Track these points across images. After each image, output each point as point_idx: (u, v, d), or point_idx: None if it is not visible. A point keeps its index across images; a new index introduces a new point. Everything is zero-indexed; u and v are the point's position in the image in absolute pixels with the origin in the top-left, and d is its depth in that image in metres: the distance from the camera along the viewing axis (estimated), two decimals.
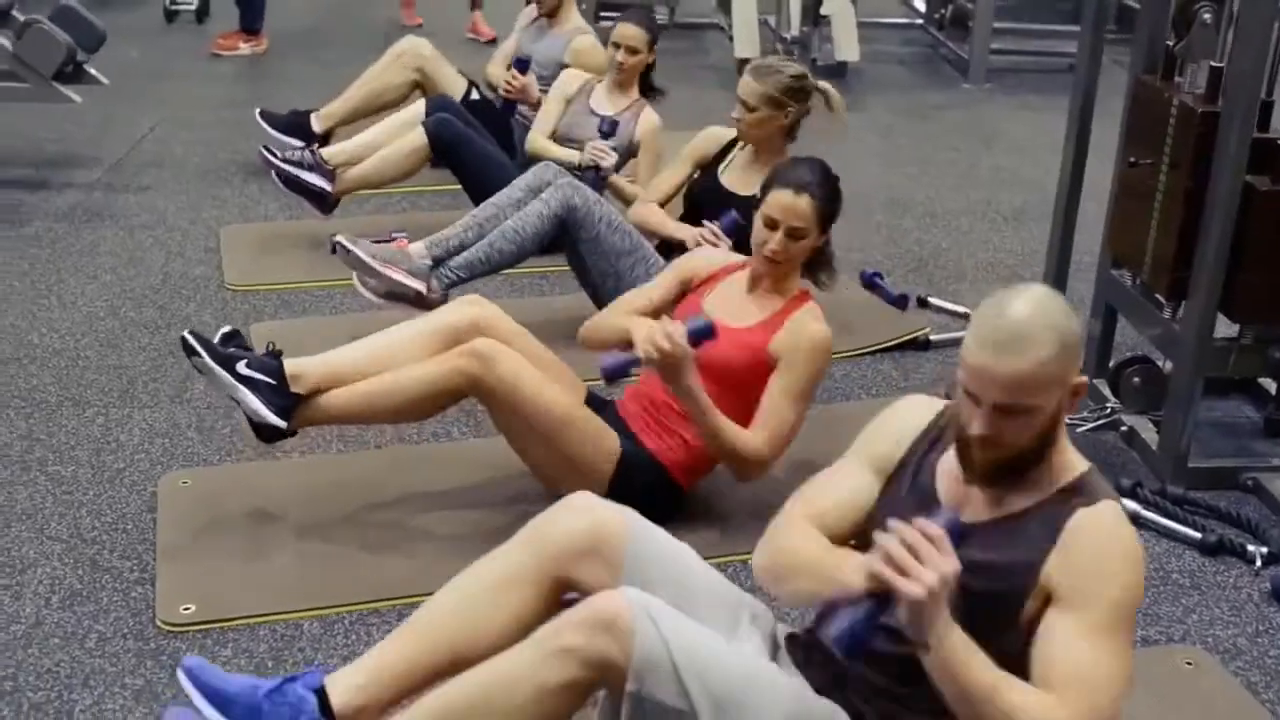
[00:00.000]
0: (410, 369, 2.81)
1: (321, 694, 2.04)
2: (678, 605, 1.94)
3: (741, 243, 3.24)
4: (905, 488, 2.01)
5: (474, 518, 2.95)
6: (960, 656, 1.76)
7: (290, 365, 2.79)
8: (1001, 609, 1.86)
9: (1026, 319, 1.80)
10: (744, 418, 2.84)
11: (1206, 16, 3.12)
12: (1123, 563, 1.84)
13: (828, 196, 2.89)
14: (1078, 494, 1.90)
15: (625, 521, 2.11)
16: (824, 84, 3.68)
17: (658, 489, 2.88)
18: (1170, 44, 3.30)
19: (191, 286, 4.21)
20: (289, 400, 2.78)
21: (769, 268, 2.90)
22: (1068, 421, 3.32)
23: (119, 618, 2.62)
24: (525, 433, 2.83)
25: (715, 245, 3.43)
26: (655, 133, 4.28)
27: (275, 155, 4.37)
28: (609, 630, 1.86)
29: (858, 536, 2.04)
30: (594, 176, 4.08)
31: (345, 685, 2.06)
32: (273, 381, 2.76)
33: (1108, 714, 1.78)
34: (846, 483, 2.07)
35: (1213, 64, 3.12)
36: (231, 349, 2.81)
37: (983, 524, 1.91)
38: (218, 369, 2.74)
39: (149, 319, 3.97)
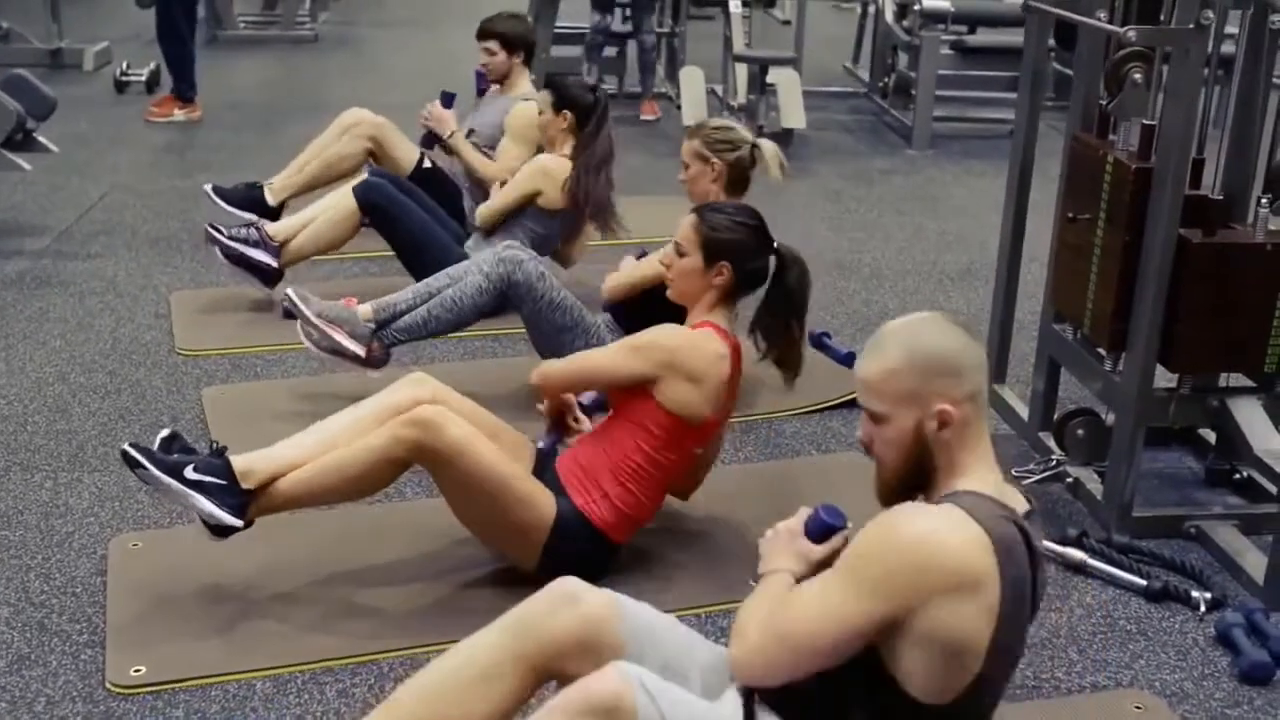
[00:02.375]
0: (354, 444, 2.80)
1: None
2: (669, 676, 1.96)
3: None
4: None
5: (426, 577, 2.95)
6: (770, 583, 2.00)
7: (239, 462, 2.75)
8: None
9: (887, 331, 1.94)
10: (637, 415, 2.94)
11: (1137, 76, 3.22)
12: (873, 530, 1.86)
13: (714, 225, 2.94)
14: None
15: (615, 607, 2.10)
16: (760, 140, 3.72)
17: (590, 547, 2.90)
18: (1104, 103, 3.40)
19: (142, 351, 4.20)
20: (242, 498, 2.74)
21: (670, 289, 3.03)
22: (1015, 473, 3.46)
23: (68, 681, 2.59)
24: (466, 497, 2.83)
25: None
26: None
27: (221, 232, 4.40)
28: (611, 716, 1.84)
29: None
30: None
31: None
32: (222, 482, 2.72)
33: (791, 633, 1.87)
34: None
35: (1145, 122, 3.21)
36: (175, 455, 2.76)
37: None
38: (165, 478, 2.69)
39: (99, 384, 3.96)
